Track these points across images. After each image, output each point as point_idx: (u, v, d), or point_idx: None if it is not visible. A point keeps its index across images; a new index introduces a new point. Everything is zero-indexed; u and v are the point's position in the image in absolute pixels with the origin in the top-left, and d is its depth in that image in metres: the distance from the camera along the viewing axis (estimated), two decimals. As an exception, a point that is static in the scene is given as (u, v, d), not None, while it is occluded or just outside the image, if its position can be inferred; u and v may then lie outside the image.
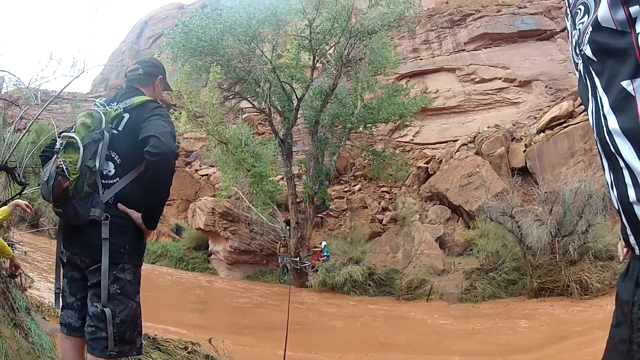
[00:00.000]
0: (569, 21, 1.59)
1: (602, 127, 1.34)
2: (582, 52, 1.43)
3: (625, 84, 1.23)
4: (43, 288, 8.10)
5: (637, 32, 1.20)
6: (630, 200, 1.27)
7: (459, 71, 31.68)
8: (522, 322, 12.32)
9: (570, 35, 1.60)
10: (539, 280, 14.44)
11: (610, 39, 1.27)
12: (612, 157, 1.32)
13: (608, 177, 1.40)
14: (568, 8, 1.58)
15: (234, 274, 22.83)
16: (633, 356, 1.32)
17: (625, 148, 1.25)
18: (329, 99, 22.26)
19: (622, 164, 1.28)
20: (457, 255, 20.33)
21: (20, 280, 4.94)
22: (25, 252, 5.25)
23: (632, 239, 1.34)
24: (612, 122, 1.28)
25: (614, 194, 1.37)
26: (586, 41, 1.38)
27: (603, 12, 1.27)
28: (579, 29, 1.47)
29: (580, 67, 1.49)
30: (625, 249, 1.52)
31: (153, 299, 12.79)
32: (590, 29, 1.35)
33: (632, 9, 1.20)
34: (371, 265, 19.44)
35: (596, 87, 1.36)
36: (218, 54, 20.54)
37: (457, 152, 25.99)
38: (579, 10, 1.47)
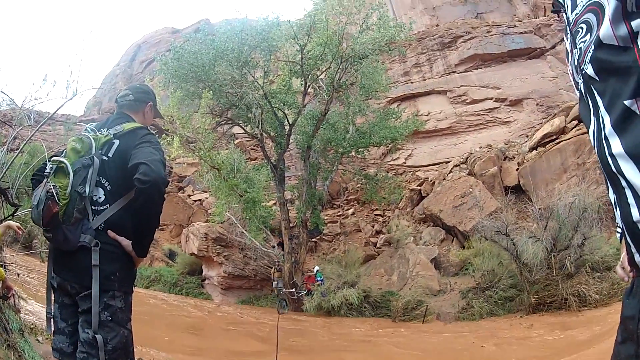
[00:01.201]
0: (569, 40, 1.57)
1: (604, 147, 1.32)
2: (584, 72, 1.41)
3: (628, 103, 1.21)
4: (37, 310, 8.01)
5: (639, 47, 1.19)
6: (634, 219, 1.26)
7: (450, 93, 31.92)
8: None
9: (570, 55, 1.58)
10: (536, 296, 14.49)
11: (612, 57, 1.26)
12: (614, 178, 1.31)
13: (611, 196, 1.38)
14: (568, 27, 1.55)
15: (228, 299, 22.69)
16: None
17: (628, 168, 1.23)
18: (321, 123, 22.35)
19: (624, 183, 1.27)
20: (453, 275, 20.32)
21: (14, 301, 4.88)
22: (18, 274, 5.20)
23: (637, 257, 1.33)
24: (615, 143, 1.27)
25: (617, 213, 1.36)
26: (588, 60, 1.37)
27: (605, 29, 1.26)
28: (580, 48, 1.44)
29: (581, 86, 1.47)
30: (627, 270, 1.52)
31: (146, 323, 12.68)
32: (593, 47, 1.33)
33: (634, 23, 1.20)
34: (366, 288, 19.37)
35: (598, 106, 1.35)
36: (210, 79, 20.64)
37: (449, 173, 26.11)
38: (580, 29, 1.43)
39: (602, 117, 1.32)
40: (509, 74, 30.68)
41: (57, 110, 5.43)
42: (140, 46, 53.65)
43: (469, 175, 24.43)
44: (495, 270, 16.56)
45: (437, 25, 36.09)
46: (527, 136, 27.24)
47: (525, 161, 23.81)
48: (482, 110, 30.73)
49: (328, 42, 19.70)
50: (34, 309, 7.96)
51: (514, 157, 25.13)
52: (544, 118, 27.12)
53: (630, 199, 1.26)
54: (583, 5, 1.40)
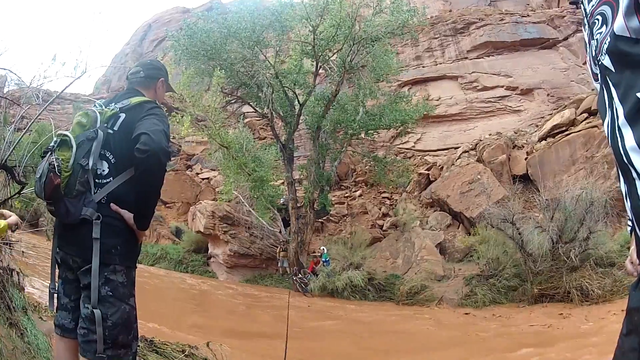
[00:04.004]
0: (587, 31, 1.59)
1: (617, 138, 1.34)
2: (600, 62, 1.44)
3: None
4: (41, 288, 8.09)
5: None
6: None
7: (462, 79, 31.68)
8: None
9: (587, 46, 1.60)
10: (540, 287, 14.46)
11: (628, 48, 1.28)
12: (625, 168, 1.32)
13: (623, 187, 1.40)
14: (585, 18, 1.57)
15: (233, 277, 22.80)
16: None
17: (638, 158, 1.25)
18: (331, 105, 22.25)
19: (635, 175, 1.28)
20: (458, 262, 20.31)
21: (18, 279, 4.93)
22: (23, 252, 5.24)
23: None
24: (628, 134, 1.28)
25: (628, 205, 1.38)
26: (604, 51, 1.39)
27: (619, 23, 1.28)
28: (597, 39, 1.46)
29: (599, 77, 1.49)
30: (636, 264, 1.53)
31: (151, 301, 12.77)
32: (609, 39, 1.35)
33: None
34: (371, 270, 19.43)
35: (612, 98, 1.37)
36: (221, 58, 20.59)
37: (458, 159, 25.99)
38: (596, 21, 1.46)
39: (616, 108, 1.34)
40: (520, 62, 30.38)
41: (65, 88, 5.46)
42: (150, 25, 53.48)
43: (477, 162, 24.32)
44: (499, 258, 16.56)
45: (450, 11, 35.76)
46: (537, 126, 27.03)
47: (534, 151, 23.66)
48: (492, 97, 30.50)
49: (341, 23, 19.56)
50: (39, 287, 8.04)
51: (523, 146, 24.97)
52: (554, 109, 26.90)
53: None
54: None
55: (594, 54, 1.52)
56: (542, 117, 27.66)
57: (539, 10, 32.80)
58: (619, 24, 1.28)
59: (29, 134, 5.68)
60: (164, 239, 27.87)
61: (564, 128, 23.07)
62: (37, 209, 15.25)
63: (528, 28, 31.05)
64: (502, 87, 30.46)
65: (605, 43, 1.38)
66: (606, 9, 1.39)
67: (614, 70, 1.36)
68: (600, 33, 1.43)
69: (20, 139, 5.33)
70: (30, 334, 4.16)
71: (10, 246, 4.94)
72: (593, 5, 1.47)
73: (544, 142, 23.76)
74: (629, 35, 1.27)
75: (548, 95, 28.98)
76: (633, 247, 1.57)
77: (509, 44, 31.06)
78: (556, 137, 22.98)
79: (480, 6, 35.47)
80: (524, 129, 27.73)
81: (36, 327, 4.46)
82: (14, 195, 5.01)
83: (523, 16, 31.98)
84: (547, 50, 30.62)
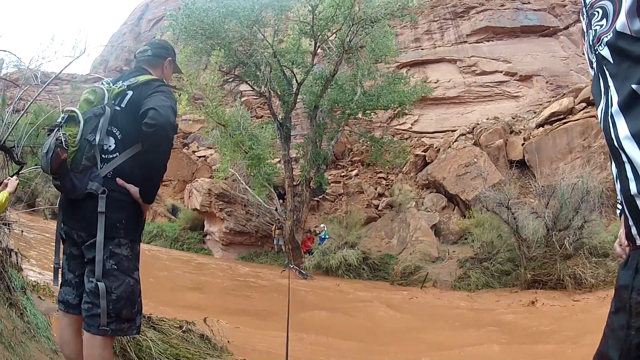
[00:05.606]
0: (585, 20, 1.66)
1: (609, 124, 1.44)
2: (597, 52, 1.52)
3: (636, 87, 1.34)
4: (38, 267, 8.14)
5: None
6: (632, 192, 1.38)
7: (460, 62, 31.56)
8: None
9: (585, 34, 1.68)
10: (533, 273, 14.56)
11: (628, 45, 1.37)
12: (616, 152, 1.43)
13: (614, 170, 1.49)
14: (584, 8, 1.65)
15: (229, 255, 22.92)
16: (631, 341, 1.38)
17: (629, 144, 1.36)
18: (329, 84, 22.13)
19: (624, 158, 1.39)
20: (452, 244, 20.46)
21: (17, 259, 4.97)
22: (22, 232, 5.28)
23: (634, 230, 1.43)
24: (620, 121, 1.39)
25: (617, 187, 1.47)
26: (604, 43, 1.47)
27: (621, 22, 1.38)
28: (595, 30, 1.54)
29: (595, 65, 1.58)
30: (624, 246, 1.60)
31: (146, 279, 12.80)
32: (611, 34, 1.43)
33: None
34: (366, 249, 19.57)
35: (609, 86, 1.46)
36: (219, 37, 20.44)
37: (455, 142, 25.99)
38: (596, 12, 1.53)
39: (611, 96, 1.44)
40: (520, 49, 30.27)
41: (64, 68, 5.46)
42: (148, 5, 52.87)
43: (474, 146, 24.36)
44: (494, 242, 16.66)
45: (450, -6, 35.58)
46: (535, 112, 27.03)
47: (531, 137, 23.69)
48: (491, 82, 30.42)
49: (340, 3, 19.39)
50: (36, 266, 8.09)
51: (520, 132, 24.99)
52: (553, 97, 26.87)
53: (630, 174, 1.38)
54: None
55: (591, 43, 1.60)
56: (540, 104, 27.65)
57: (540, -2, 32.65)
58: (621, 22, 1.38)
59: (27, 115, 5.68)
60: (160, 216, 27.94)
61: (561, 116, 23.07)
62: (35, 190, 15.21)
63: (529, 15, 30.92)
64: (501, 72, 30.39)
65: (606, 36, 1.46)
66: (607, 4, 1.47)
67: (612, 62, 1.45)
68: (601, 26, 1.50)
69: (19, 120, 5.34)
70: (29, 314, 4.19)
71: (8, 226, 4.97)
72: None
73: (541, 128, 23.79)
74: (629, 34, 1.36)
75: (547, 82, 28.94)
76: (622, 230, 1.63)
77: (509, 29, 30.94)
78: (554, 124, 23.00)
79: (481, -9, 35.24)
80: (522, 115, 27.73)
81: (35, 306, 4.50)
82: (13, 175, 5.03)
83: (524, 3, 31.76)
84: (547, 38, 30.50)
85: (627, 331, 1.39)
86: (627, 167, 1.38)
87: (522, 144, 23.83)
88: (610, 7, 1.46)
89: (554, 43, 29.95)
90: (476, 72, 31.01)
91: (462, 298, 15.00)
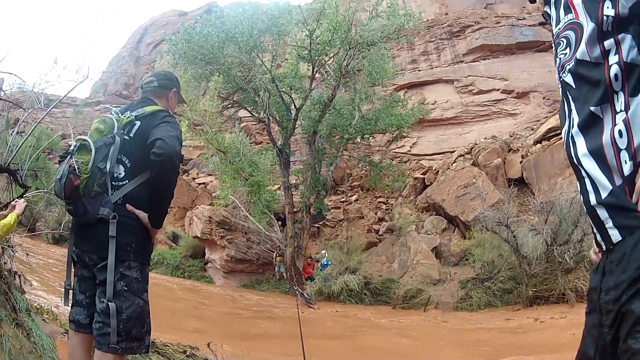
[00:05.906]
0: (554, 49, 1.78)
1: (570, 143, 1.58)
2: (562, 79, 1.66)
3: (594, 109, 1.48)
4: (41, 291, 8.13)
5: (609, 63, 1.45)
6: (592, 203, 1.51)
7: (457, 82, 31.80)
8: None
9: (555, 60, 1.79)
10: (534, 289, 14.50)
11: (587, 72, 1.51)
12: (576, 168, 1.58)
13: (578, 185, 1.61)
14: (553, 37, 1.78)
15: (230, 282, 22.80)
16: (605, 338, 1.47)
17: (587, 161, 1.50)
18: (327, 109, 22.26)
19: (583, 173, 1.53)
20: (453, 265, 20.38)
21: (20, 282, 5.00)
22: (27, 254, 5.32)
23: (598, 237, 1.56)
24: (580, 141, 1.54)
25: (582, 199, 1.58)
26: (567, 71, 1.61)
27: (581, 50, 1.52)
28: (560, 58, 1.67)
29: (560, 91, 1.72)
30: (597, 252, 1.70)
31: (150, 305, 12.73)
32: (573, 63, 1.57)
33: (607, 43, 1.45)
34: (367, 274, 19.43)
35: (571, 110, 1.61)
36: (219, 62, 20.60)
37: (453, 163, 26.09)
38: (561, 42, 1.66)
39: (573, 119, 1.59)
40: (516, 66, 30.52)
41: (69, 92, 5.56)
42: (147, 28, 53.46)
43: (472, 166, 24.43)
44: (495, 261, 16.58)
45: (446, 14, 35.87)
46: (532, 129, 27.20)
47: (529, 154, 23.80)
48: (488, 101, 30.64)
49: (337, 27, 19.63)
50: (39, 290, 8.09)
51: (518, 150, 25.11)
52: (550, 112, 27.03)
53: (589, 187, 1.51)
54: (565, 23, 1.64)
55: (557, 71, 1.74)
56: (538, 120, 27.81)
57: (535, 13, 32.87)
58: (581, 50, 1.52)
59: (30, 138, 5.74)
60: (161, 244, 27.82)
61: (559, 131, 22.98)
62: (36, 214, 15.25)
63: (524, 31, 31.25)
64: (498, 90, 30.61)
65: (568, 64, 1.61)
66: (570, 34, 1.60)
67: (574, 87, 1.60)
68: (564, 54, 1.64)
69: (23, 142, 5.40)
70: (35, 335, 4.23)
71: (12, 249, 5.01)
72: (560, 29, 1.69)
73: (539, 145, 23.91)
74: (589, 60, 1.50)
75: (544, 98, 29.11)
76: None
77: (504, 47, 31.24)
78: (551, 140, 23.13)
79: (477, 9, 35.62)
80: (520, 132, 27.86)
81: (40, 328, 4.52)
82: (19, 197, 5.08)
83: (519, 19, 32.17)
84: (543, 52, 30.70)
85: (600, 329, 1.50)
86: (587, 181, 1.52)
87: (520, 162, 23.92)
88: (572, 37, 1.59)
89: (549, 57, 30.05)
90: (473, 91, 31.23)
91: (465, 318, 14.94)
